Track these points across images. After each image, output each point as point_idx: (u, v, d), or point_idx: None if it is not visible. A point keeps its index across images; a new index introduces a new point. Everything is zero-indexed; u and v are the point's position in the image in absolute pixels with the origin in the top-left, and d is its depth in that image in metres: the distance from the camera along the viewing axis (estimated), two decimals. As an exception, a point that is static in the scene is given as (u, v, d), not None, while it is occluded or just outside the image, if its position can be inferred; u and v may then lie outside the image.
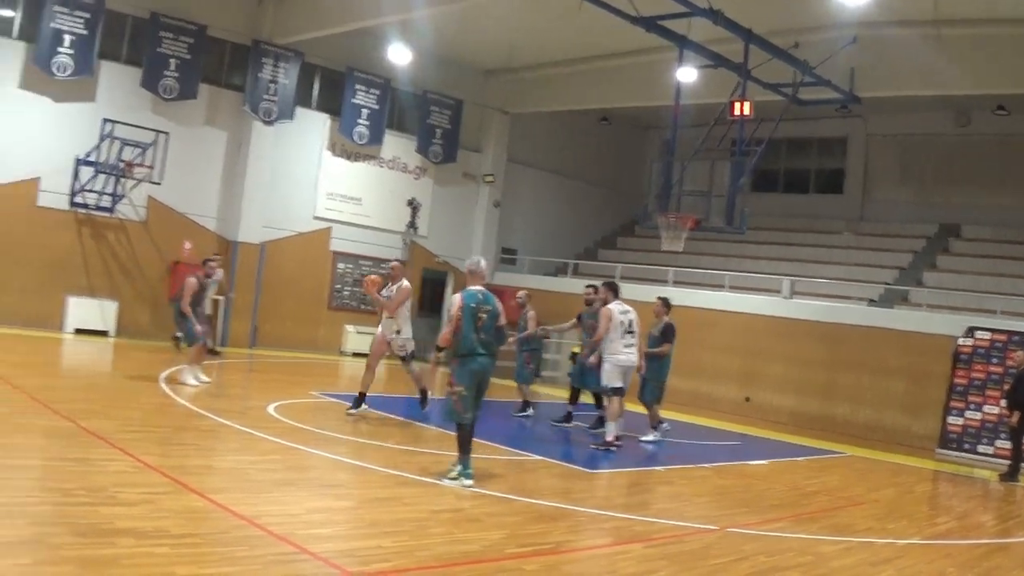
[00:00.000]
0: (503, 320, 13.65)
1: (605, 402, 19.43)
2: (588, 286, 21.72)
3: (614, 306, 18.50)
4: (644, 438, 19.87)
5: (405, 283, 18.61)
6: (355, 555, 8.99)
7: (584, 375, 20.86)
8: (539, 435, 20.10)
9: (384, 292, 18.64)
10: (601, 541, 11.06)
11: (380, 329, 18.81)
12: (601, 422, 20.44)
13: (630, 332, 18.52)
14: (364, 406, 18.30)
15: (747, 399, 28.96)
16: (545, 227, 40.54)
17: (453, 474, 13.08)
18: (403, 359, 18.80)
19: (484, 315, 13.20)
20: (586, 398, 21.79)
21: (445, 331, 13.34)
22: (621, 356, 18.34)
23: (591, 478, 15.44)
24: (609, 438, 18.05)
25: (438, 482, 12.88)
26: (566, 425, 21.04)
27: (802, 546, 11.59)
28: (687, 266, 32.91)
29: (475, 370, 13.16)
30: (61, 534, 8.25)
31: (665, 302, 20.77)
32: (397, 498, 11.85)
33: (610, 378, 18.28)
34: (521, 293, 22.77)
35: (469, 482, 12.90)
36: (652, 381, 20.07)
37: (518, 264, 38.73)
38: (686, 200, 23.16)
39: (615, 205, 42.39)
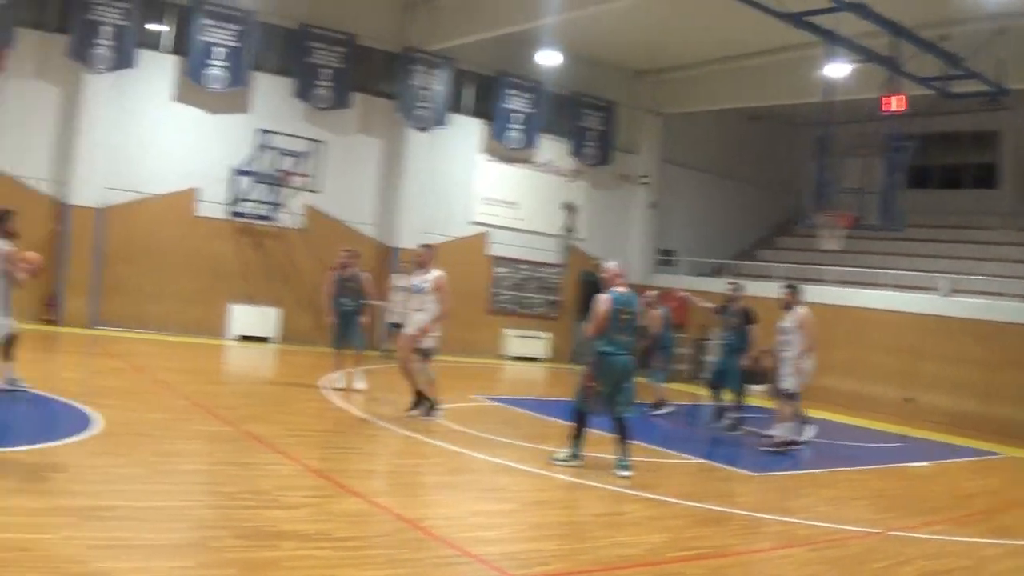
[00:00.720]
0: (643, 321, 14.08)
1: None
2: (729, 283, 21.54)
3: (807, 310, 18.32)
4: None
5: (439, 272, 17.56)
6: (516, 558, 9.02)
7: (725, 375, 20.79)
8: (700, 437, 20.00)
9: (414, 281, 17.80)
10: (763, 545, 10.96)
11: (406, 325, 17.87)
12: (720, 414, 20.68)
13: None
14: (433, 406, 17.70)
15: (909, 400, 28.46)
16: (702, 228, 40.20)
17: (561, 455, 13.88)
18: (424, 353, 17.66)
19: (627, 316, 13.87)
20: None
21: (591, 326, 13.86)
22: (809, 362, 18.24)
23: (753, 481, 15.32)
24: (780, 439, 17.97)
25: (550, 467, 13.51)
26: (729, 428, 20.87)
27: (964, 550, 11.43)
28: (844, 265, 32.47)
29: (614, 368, 13.75)
30: (224, 537, 8.38)
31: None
32: (559, 501, 11.95)
33: (796, 383, 18.08)
34: (648, 293, 22.66)
35: (579, 462, 13.82)
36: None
37: (675, 265, 38.51)
38: (842, 198, 22.92)
39: (771, 204, 41.97)
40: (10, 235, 14.14)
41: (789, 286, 18.67)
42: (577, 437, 13.92)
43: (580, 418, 13.93)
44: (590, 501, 12.01)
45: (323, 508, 9.86)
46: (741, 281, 22.53)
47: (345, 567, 8.02)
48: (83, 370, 19.70)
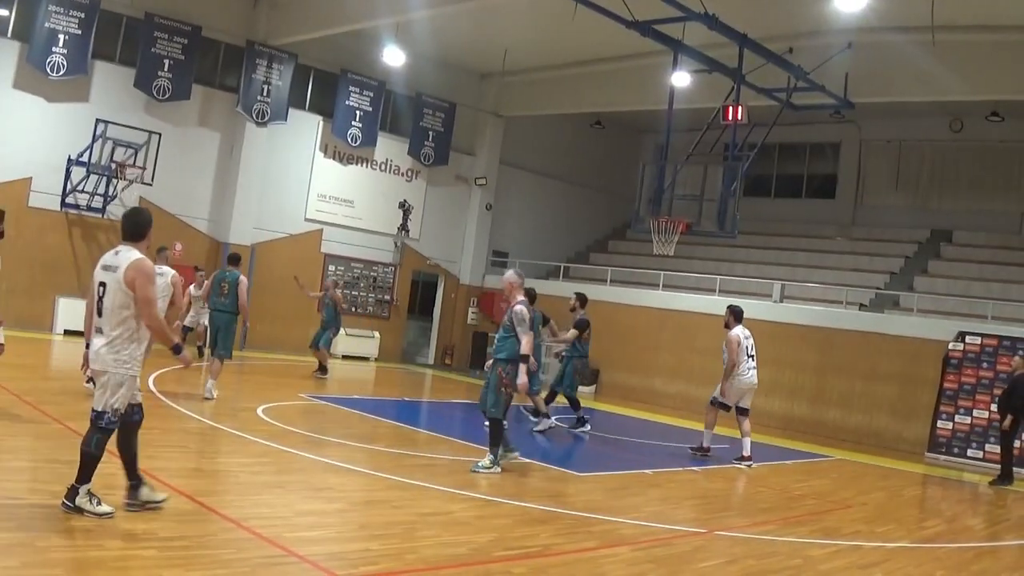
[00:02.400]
0: None
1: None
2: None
3: (738, 330, 19.01)
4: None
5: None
6: (343, 558, 9.01)
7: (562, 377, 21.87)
8: (527, 438, 20.15)
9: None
10: (589, 544, 11.00)
11: None
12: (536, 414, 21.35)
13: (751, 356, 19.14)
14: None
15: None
16: (537, 230, 40.58)
17: (485, 462, 14.43)
18: None
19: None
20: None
21: (528, 340, 14.53)
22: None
23: (579, 481, 15.45)
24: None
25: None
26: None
27: (791, 549, 11.64)
28: (678, 270, 32.89)
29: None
30: (50, 536, 8.26)
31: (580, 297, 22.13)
32: (386, 501, 11.89)
33: (728, 397, 19.20)
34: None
35: (498, 469, 14.51)
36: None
37: (509, 267, 38.58)
38: (678, 204, 23.18)
39: (607, 209, 42.44)
40: None
41: (729, 307, 19.63)
42: (496, 444, 14.62)
43: (497, 423, 14.71)
44: (418, 501, 11.99)
45: (149, 507, 9.71)
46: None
47: (171, 567, 7.93)
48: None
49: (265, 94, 31.36)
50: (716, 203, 22.52)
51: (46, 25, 26.79)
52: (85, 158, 27.29)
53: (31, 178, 27.18)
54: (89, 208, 28.13)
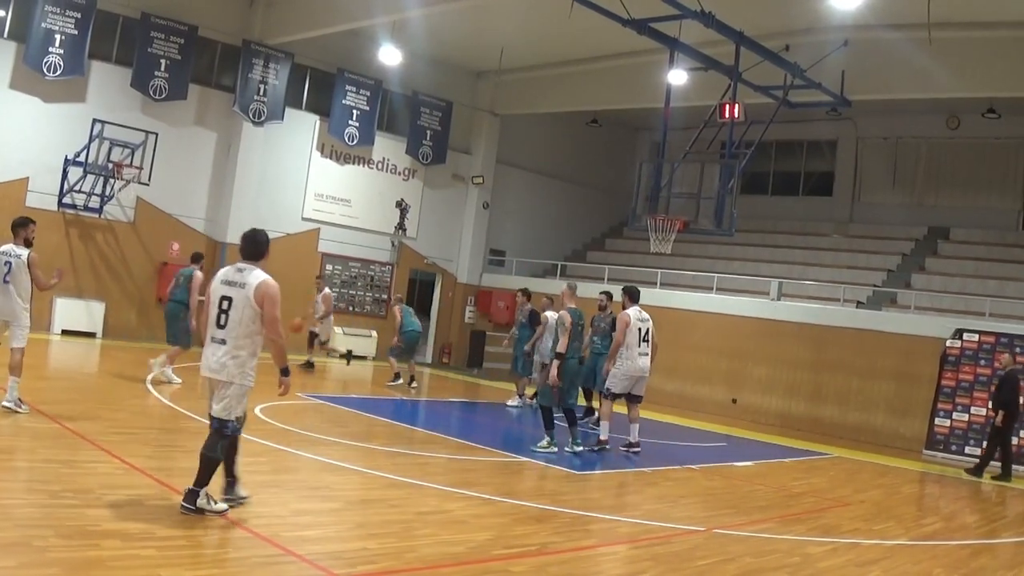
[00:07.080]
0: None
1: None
2: (602, 292, 22.04)
3: (632, 311, 18.53)
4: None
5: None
6: (341, 557, 9.00)
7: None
8: (525, 437, 20.12)
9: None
10: (587, 542, 11.03)
11: None
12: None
13: (645, 340, 18.64)
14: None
15: (734, 400, 28.88)
16: (534, 229, 40.58)
17: (543, 443, 16.92)
18: None
19: (580, 327, 17.15)
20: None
21: (563, 341, 16.63)
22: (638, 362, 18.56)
23: (577, 479, 15.41)
24: (603, 437, 18.27)
25: (533, 452, 15.98)
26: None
27: (789, 547, 11.62)
28: (675, 268, 32.89)
29: (571, 369, 16.99)
30: (48, 536, 8.21)
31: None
32: (384, 500, 11.88)
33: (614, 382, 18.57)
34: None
35: (555, 449, 16.95)
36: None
37: (506, 266, 38.64)
38: (675, 202, 23.13)
39: (604, 207, 42.47)
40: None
41: (624, 288, 19.30)
42: (549, 427, 17.22)
43: (547, 412, 17.31)
44: (416, 499, 11.98)
45: (147, 506, 9.71)
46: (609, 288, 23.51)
47: (169, 566, 7.93)
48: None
49: (262, 93, 31.31)
50: (713, 201, 22.44)
51: (42, 25, 26.73)
52: (82, 158, 27.17)
53: (28, 178, 27.10)
54: (86, 208, 28.06)
